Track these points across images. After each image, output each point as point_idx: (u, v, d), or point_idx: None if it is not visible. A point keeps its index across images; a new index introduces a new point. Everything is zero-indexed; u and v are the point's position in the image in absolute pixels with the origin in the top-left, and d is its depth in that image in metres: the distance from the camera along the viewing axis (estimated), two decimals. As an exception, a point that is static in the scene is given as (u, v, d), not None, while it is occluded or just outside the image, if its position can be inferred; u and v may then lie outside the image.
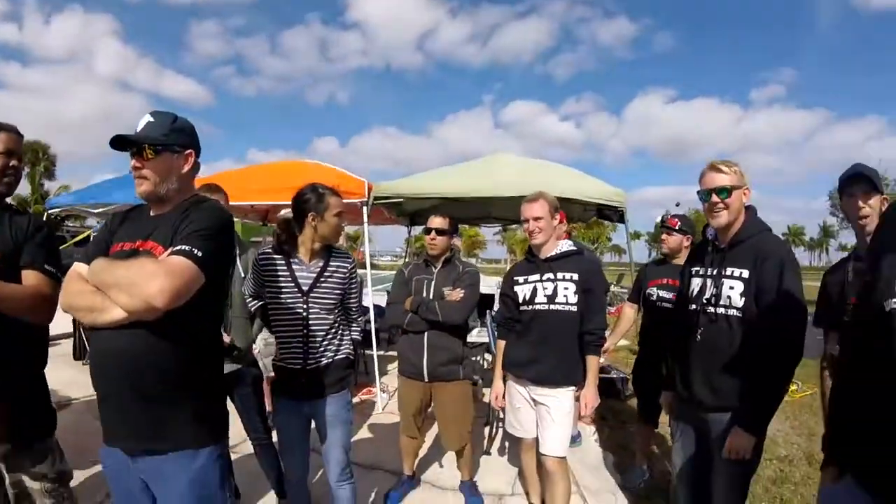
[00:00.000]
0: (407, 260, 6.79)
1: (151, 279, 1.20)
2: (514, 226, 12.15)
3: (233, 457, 2.86)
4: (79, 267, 1.38)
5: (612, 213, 5.40)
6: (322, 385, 2.15)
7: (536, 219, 2.49)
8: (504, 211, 6.65)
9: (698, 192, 2.03)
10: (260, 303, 2.28)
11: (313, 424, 2.25)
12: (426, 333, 2.77)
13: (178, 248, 1.29)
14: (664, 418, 3.23)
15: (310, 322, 2.13)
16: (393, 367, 6.24)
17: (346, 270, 2.22)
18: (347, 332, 2.30)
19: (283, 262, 2.16)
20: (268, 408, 2.65)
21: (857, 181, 1.99)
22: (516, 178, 4.94)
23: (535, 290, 2.51)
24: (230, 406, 1.75)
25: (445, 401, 2.87)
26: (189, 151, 1.50)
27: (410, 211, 6.70)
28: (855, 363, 1.21)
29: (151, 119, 1.45)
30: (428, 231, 2.86)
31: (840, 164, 2.19)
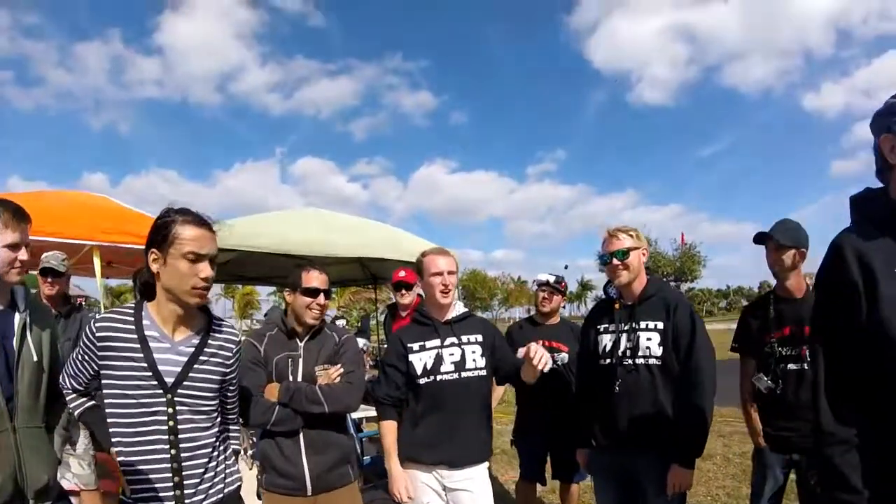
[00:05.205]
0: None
1: None
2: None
3: None
4: None
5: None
6: None
7: (451, 273, 2.24)
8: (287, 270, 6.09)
9: (600, 256, 2.19)
10: (90, 403, 1.61)
11: None
12: (301, 432, 2.14)
13: None
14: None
15: (180, 434, 1.45)
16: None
17: (231, 351, 1.58)
18: (229, 447, 1.67)
19: (135, 335, 1.44)
20: None
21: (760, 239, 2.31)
22: (337, 236, 4.58)
23: (438, 358, 2.22)
24: None
25: None
26: None
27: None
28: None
29: None
30: (312, 292, 2.17)
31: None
